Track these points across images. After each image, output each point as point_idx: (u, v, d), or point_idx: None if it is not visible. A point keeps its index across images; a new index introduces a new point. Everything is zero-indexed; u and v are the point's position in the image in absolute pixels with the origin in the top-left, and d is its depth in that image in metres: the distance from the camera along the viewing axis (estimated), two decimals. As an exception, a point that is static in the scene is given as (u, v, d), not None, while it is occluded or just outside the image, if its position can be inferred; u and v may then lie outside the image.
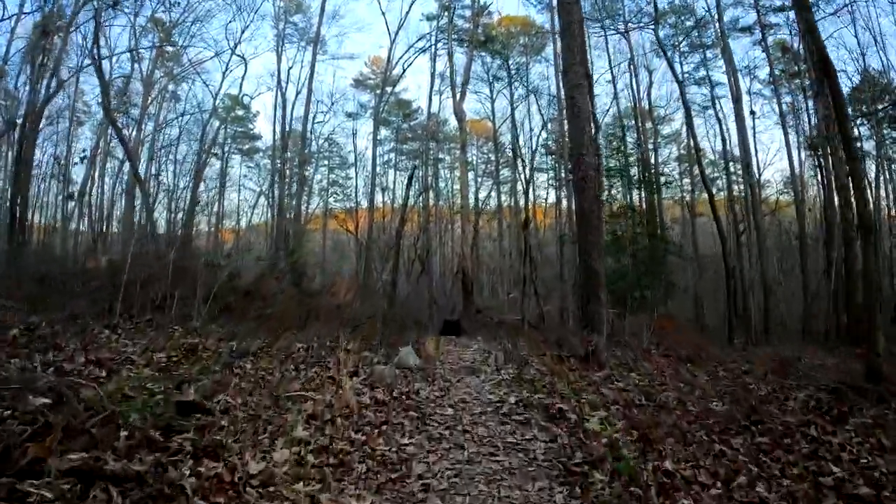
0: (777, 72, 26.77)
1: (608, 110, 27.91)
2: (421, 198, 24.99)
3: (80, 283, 12.15)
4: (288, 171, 31.28)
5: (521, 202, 32.09)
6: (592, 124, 13.37)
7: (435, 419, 5.31)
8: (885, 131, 26.09)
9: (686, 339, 13.33)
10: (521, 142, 32.12)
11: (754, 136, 24.22)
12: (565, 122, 28.44)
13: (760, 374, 8.84)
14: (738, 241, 18.32)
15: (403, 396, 5.88)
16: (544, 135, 30.22)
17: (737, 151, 24.34)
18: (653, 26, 22.31)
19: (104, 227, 30.07)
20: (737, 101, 21.55)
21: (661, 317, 17.04)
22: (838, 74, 19.38)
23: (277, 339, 8.85)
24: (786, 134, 26.23)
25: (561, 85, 28.76)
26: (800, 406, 6.81)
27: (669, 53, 28.07)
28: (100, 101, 26.75)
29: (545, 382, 7.10)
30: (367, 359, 7.42)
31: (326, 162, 38.63)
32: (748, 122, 24.23)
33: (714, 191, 29.29)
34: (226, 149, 37.08)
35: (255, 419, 4.70)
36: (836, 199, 20.64)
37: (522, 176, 18.86)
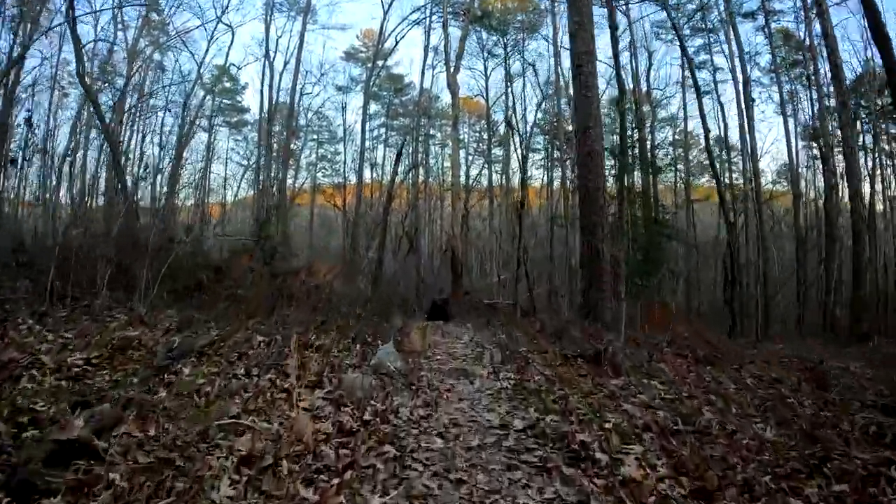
0: (778, 59, 25.33)
1: (605, 90, 26.36)
2: (410, 174, 23.37)
3: (45, 260, 10.49)
4: (275, 145, 29.49)
5: (515, 180, 30.58)
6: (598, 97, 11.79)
7: (419, 458, 3.82)
8: (882, 125, 24.77)
9: (693, 334, 12.00)
10: (514, 120, 30.64)
11: (753, 124, 22.73)
12: (562, 101, 26.97)
13: (793, 382, 7.48)
14: (734, 230, 16.90)
15: (378, 419, 4.38)
16: (539, 114, 28.63)
17: (735, 137, 22.96)
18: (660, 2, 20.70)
19: (88, 200, 28.15)
20: (745, 83, 20.01)
21: (659, 306, 15.74)
22: (839, 66, 18.03)
23: (237, 329, 7.32)
24: (786, 123, 24.88)
25: (558, 64, 27.39)
26: (860, 432, 5.41)
27: (671, 35, 26.55)
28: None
29: (554, 394, 5.65)
30: (338, 361, 5.88)
31: (315, 136, 36.81)
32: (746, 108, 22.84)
33: (708, 177, 28.10)
34: (213, 121, 35.13)
35: (161, 468, 3.19)
36: (845, 189, 19.41)
37: (518, 152, 17.30)
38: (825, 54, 18.79)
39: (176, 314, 8.18)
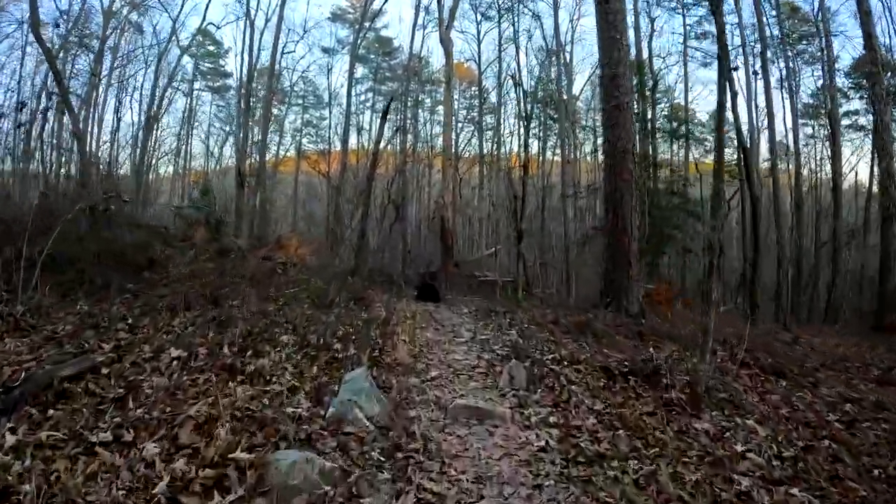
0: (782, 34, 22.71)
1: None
2: (398, 137, 20.62)
3: None
4: (259, 109, 26.41)
5: (506, 148, 27.90)
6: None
7: None
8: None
9: (728, 325, 9.74)
10: (504, 89, 27.75)
11: (755, 98, 20.26)
12: (560, 68, 24.19)
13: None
14: (759, 206, 14.50)
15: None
16: (532, 81, 25.80)
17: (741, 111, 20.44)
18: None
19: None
20: (761, 53, 17.35)
21: (663, 287, 13.48)
22: (872, 35, 15.48)
23: (148, 338, 4.82)
24: (792, 98, 22.41)
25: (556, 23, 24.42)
26: None
27: (674, 4, 23.78)
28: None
29: (628, 465, 3.26)
30: (273, 407, 3.36)
31: (301, 101, 33.62)
32: (743, 83, 20.30)
33: (700, 153, 25.60)
34: (193, 85, 31.77)
35: None
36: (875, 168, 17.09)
37: (521, 105, 14.57)
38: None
39: (78, 313, 5.63)
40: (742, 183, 13.79)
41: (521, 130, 27.47)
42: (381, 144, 16.07)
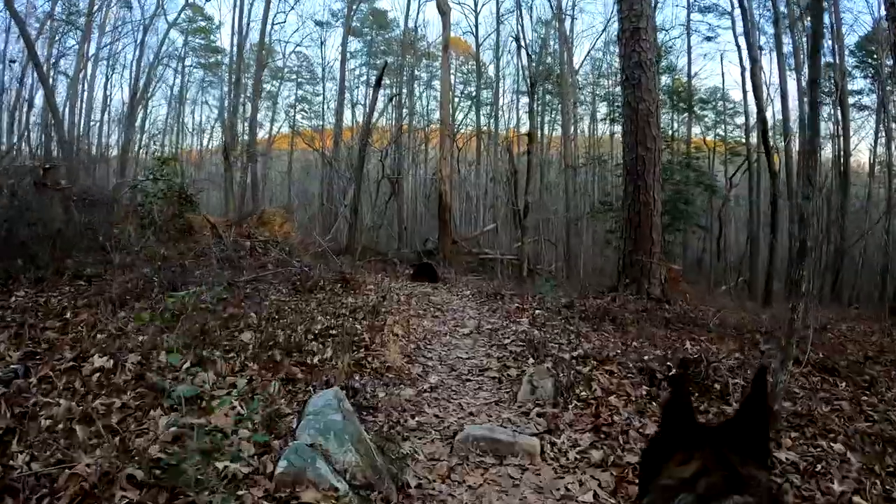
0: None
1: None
2: (392, 107, 19.23)
3: None
4: (249, 84, 24.83)
5: (503, 124, 26.52)
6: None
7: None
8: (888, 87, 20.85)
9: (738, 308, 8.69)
10: (501, 62, 26.21)
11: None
12: (560, 41, 22.69)
13: None
14: (776, 181, 13.26)
15: None
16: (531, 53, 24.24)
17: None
18: None
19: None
20: (775, 22, 15.86)
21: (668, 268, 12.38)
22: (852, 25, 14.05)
23: (78, 339, 3.68)
24: (798, 75, 20.95)
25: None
26: None
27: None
28: None
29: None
30: (200, 468, 2.19)
31: (294, 76, 31.92)
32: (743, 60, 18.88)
33: (701, 129, 24.21)
34: (185, 62, 30.01)
35: None
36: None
37: (527, 70, 13.23)
38: None
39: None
40: (748, 158, 12.53)
41: (525, 97, 26.12)
42: (375, 115, 14.74)
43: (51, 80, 23.00)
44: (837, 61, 18.14)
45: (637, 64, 7.57)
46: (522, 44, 12.64)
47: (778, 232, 11.97)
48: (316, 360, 3.73)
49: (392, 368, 3.93)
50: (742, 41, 19.11)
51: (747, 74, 19.25)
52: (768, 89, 19.11)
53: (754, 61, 12.59)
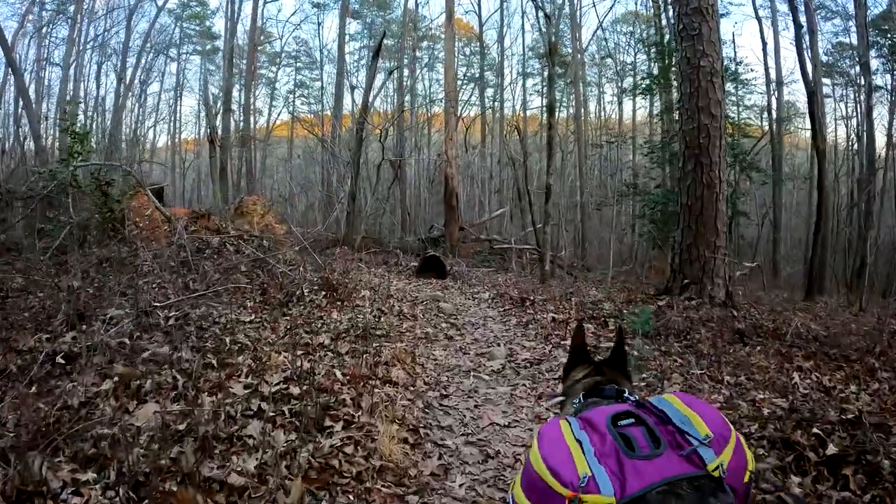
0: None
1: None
2: (392, 78, 17.24)
3: None
4: (244, 67, 22.80)
5: (509, 106, 24.45)
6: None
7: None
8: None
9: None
10: (506, 42, 24.05)
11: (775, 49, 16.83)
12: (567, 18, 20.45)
13: None
14: (823, 161, 11.29)
15: None
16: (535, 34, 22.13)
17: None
18: None
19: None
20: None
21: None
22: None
23: None
24: (814, 51, 18.76)
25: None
26: None
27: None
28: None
29: None
30: None
31: (293, 61, 29.81)
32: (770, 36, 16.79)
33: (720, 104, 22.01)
34: (182, 49, 27.95)
35: None
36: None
37: (546, 37, 11.22)
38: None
39: None
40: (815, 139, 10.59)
41: (531, 79, 24.06)
42: (374, 91, 12.81)
43: (45, 72, 21.21)
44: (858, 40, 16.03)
45: (696, 10, 5.67)
46: (539, 2, 10.62)
47: (825, 220, 10.08)
48: (251, 466, 1.97)
49: (388, 468, 2.16)
50: (763, 12, 17.07)
51: (769, 48, 17.29)
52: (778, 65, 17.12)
53: (799, 26, 10.56)
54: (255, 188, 18.07)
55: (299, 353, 3.40)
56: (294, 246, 6.95)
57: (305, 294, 4.96)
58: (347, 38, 25.24)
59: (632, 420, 0.96)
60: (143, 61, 23.18)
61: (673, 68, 10.25)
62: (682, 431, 0.91)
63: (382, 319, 4.48)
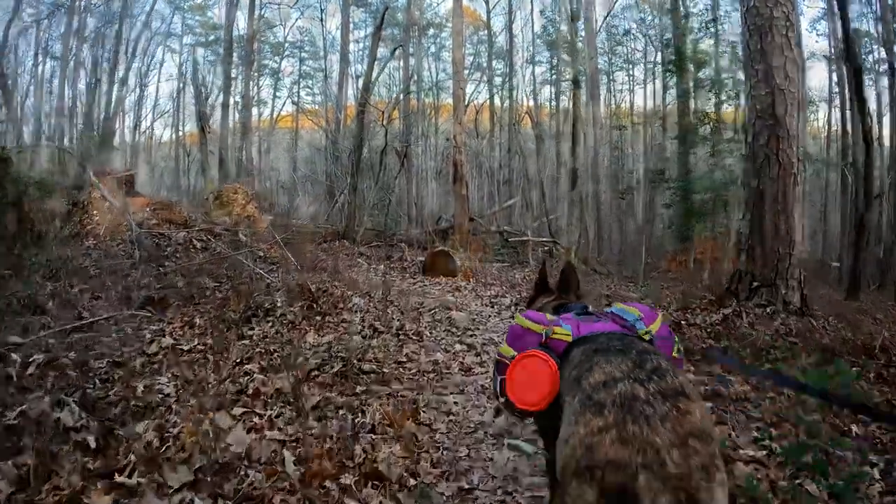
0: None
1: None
2: (396, 57, 15.86)
3: None
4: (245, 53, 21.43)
5: (516, 95, 22.92)
6: None
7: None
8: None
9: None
10: (515, 29, 22.42)
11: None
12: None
13: None
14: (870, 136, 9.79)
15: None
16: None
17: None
18: None
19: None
20: None
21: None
22: None
23: None
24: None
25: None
26: None
27: None
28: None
29: None
30: None
31: (297, 51, 28.39)
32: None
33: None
34: (185, 41, 26.56)
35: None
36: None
37: (567, 12, 9.77)
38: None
39: None
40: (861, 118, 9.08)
41: (538, 66, 22.51)
42: (376, 71, 11.43)
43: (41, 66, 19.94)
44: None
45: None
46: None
47: (871, 212, 8.64)
48: None
49: None
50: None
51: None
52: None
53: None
54: (253, 179, 16.74)
55: (238, 411, 2.13)
56: (276, 242, 5.67)
57: (278, 305, 3.69)
58: (352, 26, 23.82)
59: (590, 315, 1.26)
60: (142, 50, 21.86)
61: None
62: (620, 315, 1.21)
63: (376, 342, 3.19)
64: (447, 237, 11.20)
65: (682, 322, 4.16)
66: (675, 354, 1.19)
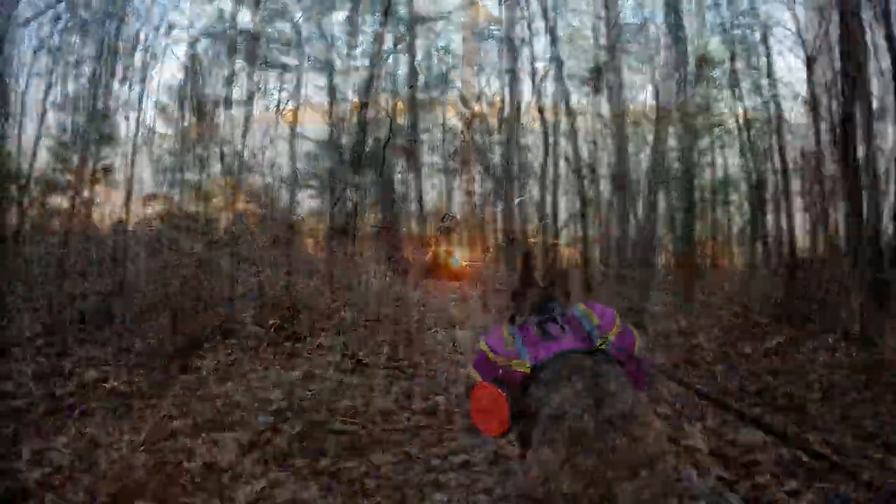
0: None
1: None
2: (403, 47, 14.94)
3: None
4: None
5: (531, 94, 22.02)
6: None
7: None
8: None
9: None
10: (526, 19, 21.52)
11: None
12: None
13: None
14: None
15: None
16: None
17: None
18: None
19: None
20: None
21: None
22: None
23: None
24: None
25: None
26: None
27: None
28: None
29: None
30: None
31: (302, 45, 27.52)
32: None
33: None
34: (188, 32, 25.74)
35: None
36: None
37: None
38: None
39: None
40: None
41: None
42: (381, 65, 10.62)
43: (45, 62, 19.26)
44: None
45: None
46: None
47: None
48: None
49: None
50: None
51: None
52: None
53: None
54: (253, 173, 16.04)
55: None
56: (265, 241, 4.95)
57: (246, 322, 2.96)
58: (360, 20, 22.97)
59: (554, 321, 1.25)
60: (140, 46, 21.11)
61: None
62: (580, 321, 1.22)
63: (357, 379, 2.47)
64: (452, 235, 10.43)
65: (731, 353, 3.40)
66: (636, 354, 1.24)
